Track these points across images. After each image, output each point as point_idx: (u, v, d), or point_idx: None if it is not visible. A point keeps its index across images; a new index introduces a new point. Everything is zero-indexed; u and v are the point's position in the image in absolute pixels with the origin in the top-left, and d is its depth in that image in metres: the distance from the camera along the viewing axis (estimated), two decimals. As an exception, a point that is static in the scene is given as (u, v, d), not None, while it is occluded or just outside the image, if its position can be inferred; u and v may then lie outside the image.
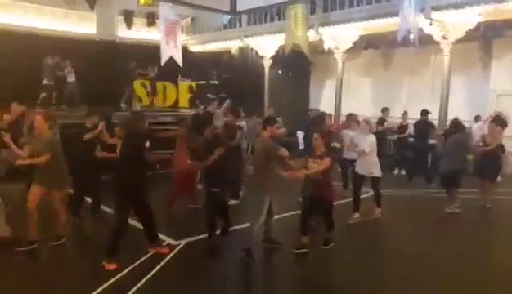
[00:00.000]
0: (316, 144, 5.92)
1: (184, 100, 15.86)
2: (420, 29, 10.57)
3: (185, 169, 7.06)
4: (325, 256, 5.96)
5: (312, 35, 12.71)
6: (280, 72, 16.78)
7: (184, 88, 16.17)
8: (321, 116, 7.54)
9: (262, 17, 14.63)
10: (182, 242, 5.98)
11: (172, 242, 5.97)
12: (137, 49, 15.95)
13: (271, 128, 5.70)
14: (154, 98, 15.41)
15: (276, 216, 6.03)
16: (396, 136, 12.12)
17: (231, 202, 7.57)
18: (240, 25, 15.40)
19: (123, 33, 17.19)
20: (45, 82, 12.76)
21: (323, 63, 15.82)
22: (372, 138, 7.28)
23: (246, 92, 16.03)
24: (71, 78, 13.21)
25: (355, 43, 12.93)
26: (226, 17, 16.51)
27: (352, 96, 14.89)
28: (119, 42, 16.77)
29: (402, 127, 11.84)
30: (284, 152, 5.52)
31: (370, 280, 5.13)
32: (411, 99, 14.07)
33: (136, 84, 15.30)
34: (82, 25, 16.34)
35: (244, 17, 15.09)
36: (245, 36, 14.95)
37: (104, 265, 5.04)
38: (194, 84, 16.21)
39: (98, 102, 13.09)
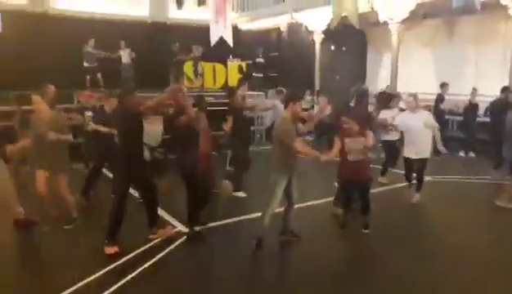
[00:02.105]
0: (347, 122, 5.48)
1: (234, 81, 15.51)
2: (485, -8, 9.35)
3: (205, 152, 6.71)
4: (343, 249, 5.44)
5: (363, 5, 11.73)
6: (332, 47, 15.83)
7: (233, 68, 15.85)
8: (363, 92, 6.79)
9: (312, -12, 13.79)
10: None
11: (184, 228, 5.70)
12: (187, 30, 15.83)
13: (293, 106, 4.95)
14: (196, 79, 15.17)
15: (298, 205, 5.52)
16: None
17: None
18: (289, -1, 14.63)
19: (174, 13, 17.10)
20: (86, 64, 13.02)
21: (380, 36, 14.64)
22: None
23: (295, 70, 15.40)
24: (127, 59, 13.38)
25: (412, 12, 11.70)
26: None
27: (411, 71, 13.66)
28: (169, 23, 16.78)
29: (471, 106, 10.69)
30: (298, 144, 4.83)
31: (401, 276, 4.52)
32: (478, 73, 12.59)
33: (187, 65, 15.25)
34: (135, 7, 16.48)
35: (294, -10, 14.34)
36: (294, 10, 14.19)
37: (104, 249, 4.89)
38: (244, 64, 15.84)
39: (148, 85, 13.25)
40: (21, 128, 6.65)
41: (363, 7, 11.84)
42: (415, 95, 6.83)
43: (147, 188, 5.26)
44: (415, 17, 12.37)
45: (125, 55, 13.56)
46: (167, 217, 6.15)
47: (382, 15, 12.23)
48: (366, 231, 5.65)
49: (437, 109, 10.58)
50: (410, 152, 6.81)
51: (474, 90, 10.68)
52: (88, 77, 13.10)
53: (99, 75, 13.23)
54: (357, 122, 5.40)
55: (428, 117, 6.72)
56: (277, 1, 14.98)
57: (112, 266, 4.66)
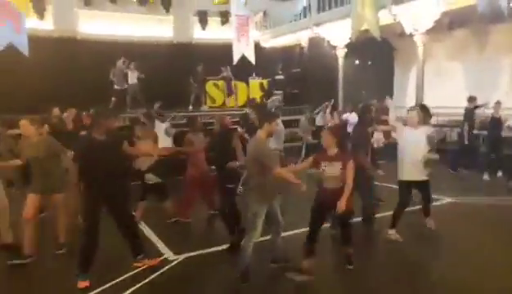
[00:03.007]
0: (325, 143, 4.67)
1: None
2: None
3: (202, 173, 6.39)
4: (346, 282, 4.83)
5: (385, 16, 11.15)
6: (357, 61, 15.27)
7: (255, 86, 15.70)
8: (366, 107, 6.24)
9: (333, 2, 13.37)
10: (181, 257, 5.30)
11: (171, 256, 5.34)
12: (211, 50, 15.76)
13: (268, 126, 4.51)
14: (232, 98, 15.14)
15: (290, 232, 5.06)
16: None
17: None
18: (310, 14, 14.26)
19: (198, 34, 17.15)
20: (116, 87, 13.05)
21: (407, 48, 13.93)
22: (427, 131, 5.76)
23: (317, 86, 14.94)
24: (133, 80, 13.33)
25: (437, 22, 11.02)
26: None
27: (441, 85, 12.89)
28: (194, 43, 16.83)
29: (494, 121, 9.69)
30: (274, 165, 4.42)
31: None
32: (513, 84, 11.70)
33: (209, 85, 15.20)
34: (160, 29, 16.63)
35: (314, 5, 13.96)
36: (315, 24, 13.80)
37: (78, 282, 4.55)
38: (265, 81, 15.64)
39: (172, 104, 13.14)
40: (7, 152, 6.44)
41: (387, 19, 11.25)
42: (417, 109, 5.98)
43: (121, 217, 4.86)
44: (441, 27, 11.67)
45: (132, 77, 13.45)
46: (158, 244, 5.82)
47: (407, 27, 11.63)
48: (349, 267, 4.87)
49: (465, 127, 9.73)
50: (410, 174, 5.74)
51: (498, 103, 9.66)
52: (113, 99, 13.09)
53: (128, 98, 13.21)
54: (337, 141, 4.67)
55: (430, 134, 5.81)
56: (299, 16, 14.64)
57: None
